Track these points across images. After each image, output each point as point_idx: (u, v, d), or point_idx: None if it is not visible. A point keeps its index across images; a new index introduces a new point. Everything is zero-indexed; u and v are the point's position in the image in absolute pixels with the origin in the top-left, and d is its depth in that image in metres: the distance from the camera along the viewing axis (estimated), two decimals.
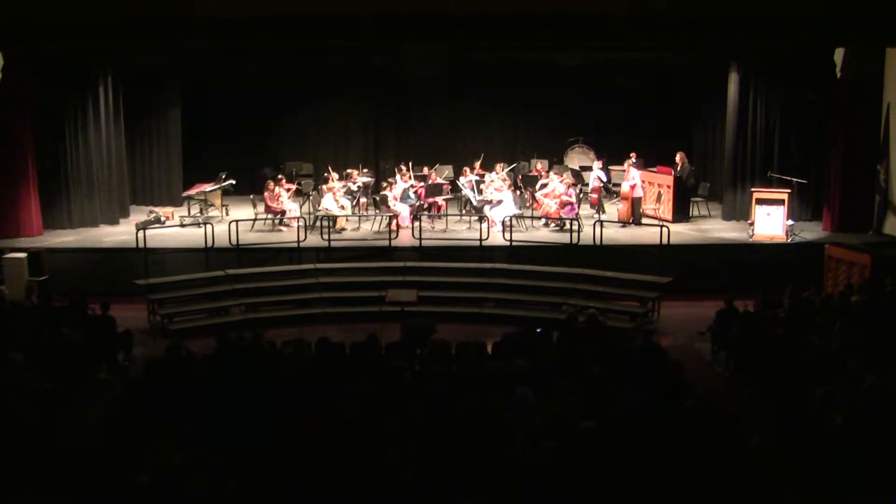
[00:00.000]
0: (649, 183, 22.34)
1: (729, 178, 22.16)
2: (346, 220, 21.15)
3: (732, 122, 21.94)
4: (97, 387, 13.85)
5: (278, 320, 17.37)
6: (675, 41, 19.56)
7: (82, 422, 11.89)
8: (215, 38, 18.74)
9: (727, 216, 22.22)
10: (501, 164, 23.20)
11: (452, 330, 15.57)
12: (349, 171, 22.90)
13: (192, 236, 19.75)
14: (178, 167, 24.16)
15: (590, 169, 23.71)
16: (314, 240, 19.72)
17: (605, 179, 23.31)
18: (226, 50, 21.29)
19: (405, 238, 20.07)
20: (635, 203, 21.52)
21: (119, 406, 11.08)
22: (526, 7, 16.05)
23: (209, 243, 18.72)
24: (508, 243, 19.33)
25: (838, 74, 20.72)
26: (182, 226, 20.88)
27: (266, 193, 20.87)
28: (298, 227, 19.54)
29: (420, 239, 19.41)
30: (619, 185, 22.75)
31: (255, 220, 20.90)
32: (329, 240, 19.39)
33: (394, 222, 20.11)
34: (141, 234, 18.61)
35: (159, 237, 19.71)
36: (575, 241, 19.09)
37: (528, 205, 22.47)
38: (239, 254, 18.95)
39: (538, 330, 14.13)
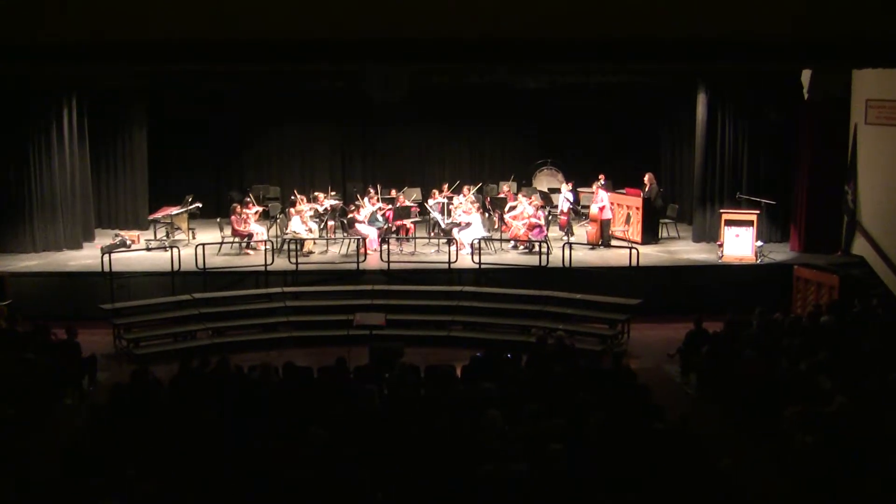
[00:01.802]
0: (618, 205, 22.43)
1: (698, 199, 22.27)
2: (314, 243, 21.11)
3: (700, 142, 22.03)
4: (62, 413, 13.73)
5: (245, 344, 17.28)
6: (640, 63, 19.74)
7: (47, 449, 11.78)
8: (177, 60, 18.74)
9: (696, 237, 22.33)
10: (469, 187, 23.26)
11: (421, 353, 15.59)
12: (316, 193, 22.88)
13: (158, 260, 19.65)
14: (143, 190, 24.02)
15: (558, 191, 23.79)
16: (281, 263, 19.66)
17: (573, 201, 23.39)
18: (190, 73, 21.24)
19: (373, 261, 20.05)
20: (604, 225, 21.61)
21: (84, 432, 10.99)
22: (488, 32, 16.13)
23: (175, 267, 18.60)
24: (477, 266, 19.33)
25: (805, 95, 20.93)
26: (148, 249, 20.75)
27: (233, 216, 20.80)
28: (266, 250, 19.49)
29: (388, 262, 19.40)
30: (587, 207, 22.83)
31: (221, 243, 20.83)
32: (296, 263, 19.34)
33: (362, 245, 20.08)
34: (106, 257, 18.48)
35: (125, 261, 19.56)
36: (544, 263, 19.12)
37: (496, 227, 22.52)
38: (205, 277, 18.85)
39: (508, 355, 14.13)
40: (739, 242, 20.08)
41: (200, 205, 22.67)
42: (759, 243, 20.18)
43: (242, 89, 24.42)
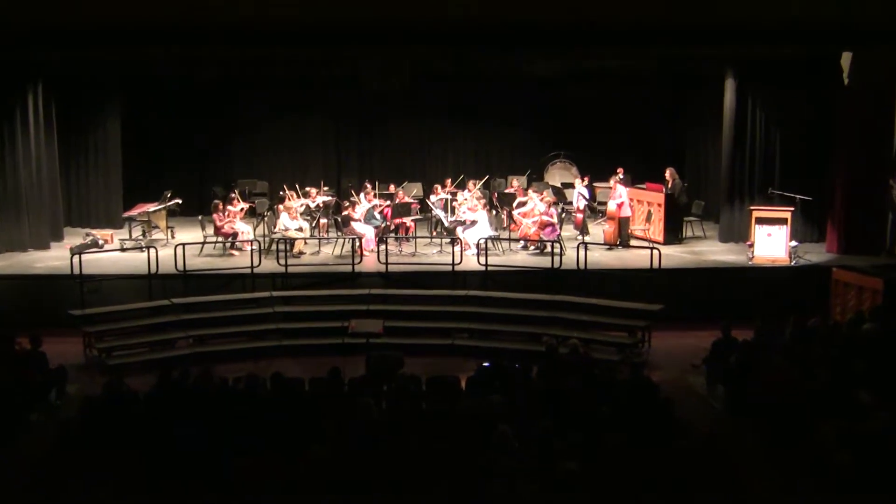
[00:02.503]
0: (638, 201, 22.43)
1: (725, 195, 22.23)
2: (305, 242, 21.09)
3: (728, 133, 22.01)
4: (28, 430, 13.71)
5: (229, 354, 17.26)
6: (665, 48, 19.74)
7: (12, 470, 11.76)
8: (158, 45, 18.78)
9: (724, 237, 22.31)
10: (474, 182, 23.25)
11: (422, 363, 15.54)
12: (308, 189, 22.88)
13: (134, 261, 19.66)
14: (117, 185, 24.01)
15: (572, 186, 23.81)
16: (269, 265, 19.65)
17: (588, 198, 23.39)
18: (170, 57, 21.26)
19: (370, 263, 20.04)
20: (622, 223, 21.59)
21: (52, 451, 10.97)
22: (494, 12, 16.11)
23: (152, 269, 18.57)
24: (483, 268, 19.31)
25: (845, 81, 20.84)
26: (122, 250, 20.77)
27: (216, 214, 20.79)
28: (252, 250, 19.46)
29: (386, 264, 19.38)
30: (604, 203, 22.85)
31: (203, 243, 20.81)
32: (286, 265, 19.30)
33: (357, 245, 20.06)
34: (76, 259, 18.45)
35: (97, 262, 19.51)
36: (556, 265, 19.11)
37: (504, 226, 22.51)
38: (186, 281, 18.81)
39: (516, 365, 14.11)
40: (771, 242, 20.04)
41: (180, 201, 22.68)
42: (794, 243, 20.13)
43: (227, 76, 24.47)
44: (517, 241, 21.33)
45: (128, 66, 22.52)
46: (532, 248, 21.02)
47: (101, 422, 11.68)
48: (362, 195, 22.06)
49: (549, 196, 21.80)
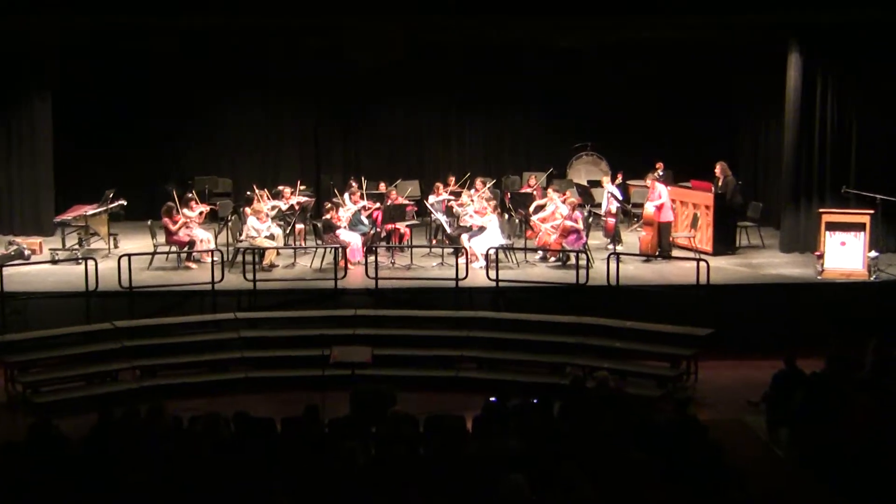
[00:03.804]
0: (681, 203, 22.44)
1: (789, 194, 22.21)
2: (278, 253, 21.11)
3: (793, 120, 21.95)
4: None
5: (185, 388, 17.23)
6: (715, 15, 19.73)
7: None
8: (98, 11, 18.77)
9: (787, 246, 22.30)
10: (483, 179, 23.23)
11: (419, 400, 15.54)
12: (281, 188, 22.87)
13: (68, 276, 19.69)
14: (48, 182, 24.01)
15: (601, 185, 23.77)
16: (234, 280, 19.64)
17: (621, 199, 23.36)
18: (110, 27, 21.25)
19: (356, 277, 20.06)
20: (663, 230, 21.56)
21: None
22: None
23: (91, 286, 18.57)
24: (494, 284, 19.30)
25: None
26: (54, 262, 20.78)
27: (169, 218, 20.76)
28: (213, 262, 19.43)
29: (376, 279, 19.36)
30: (640, 205, 22.82)
31: (154, 253, 20.80)
32: (254, 280, 19.29)
33: (341, 256, 20.03)
34: None
35: (22, 277, 19.54)
36: (583, 280, 19.10)
37: (519, 233, 22.50)
38: (131, 300, 18.80)
39: (534, 401, 14.07)
40: (846, 253, 20.03)
41: (125, 202, 22.71)
42: (874, 254, 20.12)
43: (183, 49, 24.42)
44: (535, 251, 21.31)
45: (59, 35, 22.43)
46: (553, 259, 21.01)
47: (26, 473, 11.59)
48: (347, 195, 22.05)
49: (573, 197, 21.78)
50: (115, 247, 22.18)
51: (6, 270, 18.71)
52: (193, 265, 20.74)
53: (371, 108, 26.61)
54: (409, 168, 26.12)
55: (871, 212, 20.37)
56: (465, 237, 21.05)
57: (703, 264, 18.62)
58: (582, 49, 23.71)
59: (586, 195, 23.60)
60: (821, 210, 21.00)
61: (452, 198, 22.68)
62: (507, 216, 22.57)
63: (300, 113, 26.86)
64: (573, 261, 19.86)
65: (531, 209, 21.99)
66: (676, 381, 17.39)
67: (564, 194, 21.80)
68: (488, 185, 22.98)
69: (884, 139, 21.76)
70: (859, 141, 21.86)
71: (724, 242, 21.92)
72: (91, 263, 18.79)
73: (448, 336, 18.61)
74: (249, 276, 19.34)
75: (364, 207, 21.78)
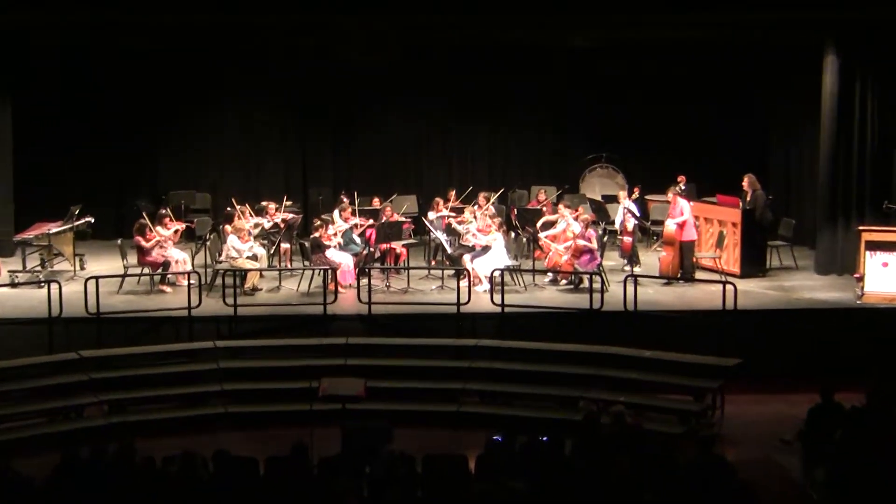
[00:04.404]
0: (705, 220, 22.46)
1: (825, 210, 22.21)
2: (261, 275, 21.12)
3: (829, 127, 21.92)
4: None
5: (158, 425, 17.22)
6: (742, 13, 19.75)
7: None
8: (62, 8, 18.78)
9: (823, 268, 22.30)
10: (487, 194, 23.23)
11: (417, 437, 15.57)
12: (265, 203, 22.89)
13: (30, 300, 19.74)
14: (6, 197, 23.99)
15: (617, 200, 23.76)
16: (213, 305, 19.64)
17: (639, 215, 23.35)
18: (81, 25, 21.28)
19: (347, 302, 20.06)
20: (685, 249, 21.57)
21: None
22: None
23: (55, 311, 18.59)
24: (499, 309, 19.31)
25: None
26: (13, 285, 20.80)
27: (141, 237, 20.74)
28: (189, 286, 19.44)
29: (369, 303, 19.36)
30: (660, 223, 22.81)
31: (124, 276, 20.80)
32: (235, 305, 19.28)
33: (331, 279, 20.01)
34: None
35: None
36: (597, 305, 19.10)
37: (527, 252, 22.49)
38: (99, 326, 18.80)
39: (543, 438, 14.05)
40: (888, 274, 20.04)
41: (92, 219, 22.71)
42: None
43: (158, 51, 24.45)
44: (544, 272, 21.30)
45: (16, 35, 22.44)
46: (564, 282, 21.00)
47: None
48: (337, 212, 22.05)
49: (586, 213, 21.81)
50: (82, 268, 22.18)
51: None
52: (168, 289, 20.74)
53: (364, 115, 26.58)
54: (405, 182, 26.13)
55: None
56: (467, 258, 21.05)
57: (729, 287, 18.63)
58: (596, 50, 23.71)
59: (601, 211, 23.59)
60: (860, 228, 20.97)
61: (453, 214, 22.65)
62: (513, 234, 22.59)
63: (286, 121, 26.88)
64: (586, 284, 19.83)
65: (540, 227, 21.97)
66: (701, 417, 17.35)
67: (577, 210, 21.82)
68: (493, 201, 22.98)
69: None
70: None
71: (754, 263, 21.92)
72: (55, 287, 18.80)
73: (448, 367, 18.62)
74: (230, 300, 19.32)
75: (356, 225, 21.78)
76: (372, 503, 12.23)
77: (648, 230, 24.15)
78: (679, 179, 23.23)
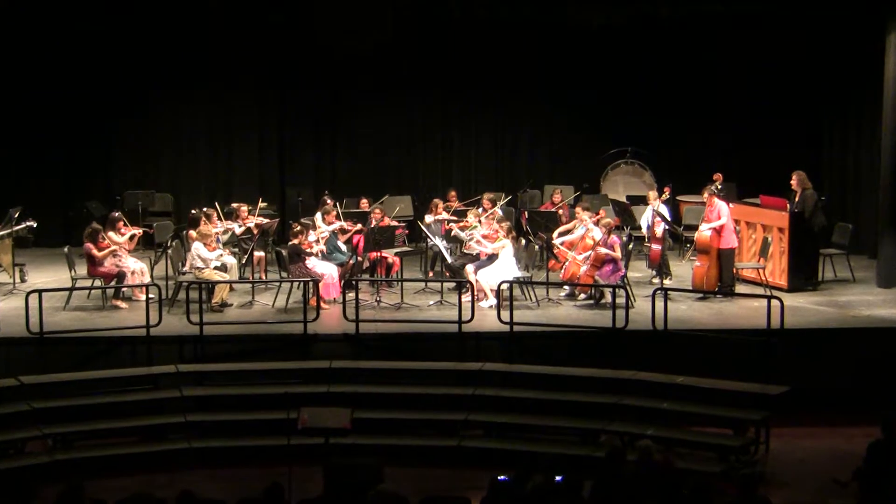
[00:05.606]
0: (747, 224, 22.48)
1: (887, 215, 22.23)
2: (231, 288, 21.16)
3: (892, 118, 21.94)
4: None
5: (111, 463, 17.19)
6: None
7: None
8: None
9: (884, 280, 22.32)
10: (493, 195, 23.24)
11: (412, 476, 15.61)
12: (236, 205, 22.92)
13: None
14: None
15: (645, 202, 23.77)
16: (175, 323, 19.69)
17: (670, 219, 23.35)
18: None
19: (331, 319, 20.14)
20: (723, 259, 21.57)
21: None
22: None
23: None
24: (507, 328, 19.32)
25: None
26: None
27: (92, 244, 20.76)
28: (148, 300, 19.47)
29: (357, 321, 19.36)
30: (694, 228, 22.82)
31: (72, 289, 20.83)
32: (201, 323, 19.29)
33: (312, 293, 20.03)
34: None
35: None
36: (621, 323, 19.08)
37: (539, 262, 22.51)
38: (43, 349, 18.80)
39: (557, 479, 14.07)
40: None
41: (34, 224, 22.69)
42: None
43: (110, 29, 24.48)
44: (560, 285, 21.34)
45: None
46: (583, 296, 21.03)
47: None
48: (319, 215, 22.06)
49: (608, 217, 21.81)
50: (22, 280, 22.22)
51: None
52: (123, 304, 20.76)
53: (350, 104, 26.60)
54: (398, 180, 26.18)
55: None
56: (470, 268, 21.07)
57: (775, 303, 18.62)
58: (619, 28, 23.76)
59: (625, 215, 23.63)
60: None
61: (454, 218, 22.68)
62: (523, 242, 22.58)
63: (261, 109, 26.88)
64: (608, 298, 19.89)
65: (555, 233, 21.99)
66: (742, 454, 17.35)
67: (597, 214, 21.83)
68: (500, 203, 23.00)
69: None
70: None
71: (803, 275, 21.96)
72: None
73: (449, 395, 18.62)
74: (195, 317, 19.32)
75: (342, 230, 21.78)
76: None
77: (681, 236, 24.13)
78: (716, 178, 23.26)
